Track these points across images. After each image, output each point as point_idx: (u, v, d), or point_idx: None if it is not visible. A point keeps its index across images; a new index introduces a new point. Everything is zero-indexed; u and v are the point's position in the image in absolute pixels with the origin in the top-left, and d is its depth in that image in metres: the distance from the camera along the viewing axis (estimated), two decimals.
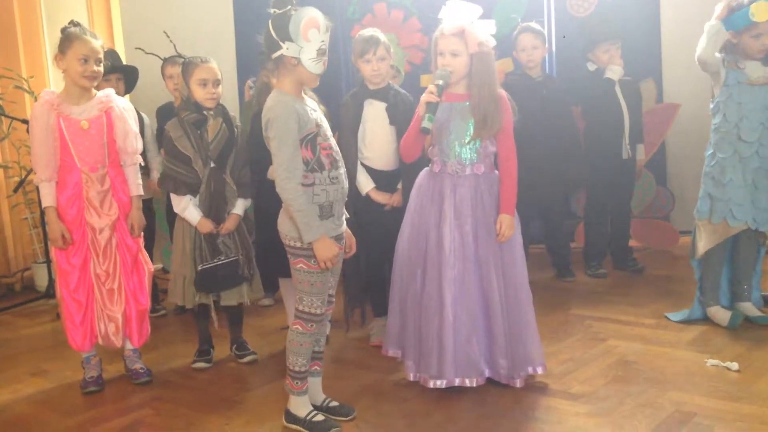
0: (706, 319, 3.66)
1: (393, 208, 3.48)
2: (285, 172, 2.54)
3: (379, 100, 3.47)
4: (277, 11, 2.54)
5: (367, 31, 3.50)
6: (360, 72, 3.51)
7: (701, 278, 3.66)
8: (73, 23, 3.19)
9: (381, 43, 3.41)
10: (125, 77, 4.31)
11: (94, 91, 3.24)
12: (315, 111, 2.68)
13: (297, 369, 2.71)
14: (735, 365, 3.05)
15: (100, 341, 3.28)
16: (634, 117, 4.58)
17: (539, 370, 3.04)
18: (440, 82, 2.87)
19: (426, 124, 2.84)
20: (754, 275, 3.71)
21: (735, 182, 3.47)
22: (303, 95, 2.67)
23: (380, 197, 3.48)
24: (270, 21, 2.56)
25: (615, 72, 4.51)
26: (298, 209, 2.55)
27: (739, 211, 3.47)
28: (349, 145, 3.43)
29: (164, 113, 4.31)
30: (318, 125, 2.64)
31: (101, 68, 3.19)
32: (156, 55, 4.29)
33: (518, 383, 2.98)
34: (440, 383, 2.93)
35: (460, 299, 2.93)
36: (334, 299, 2.85)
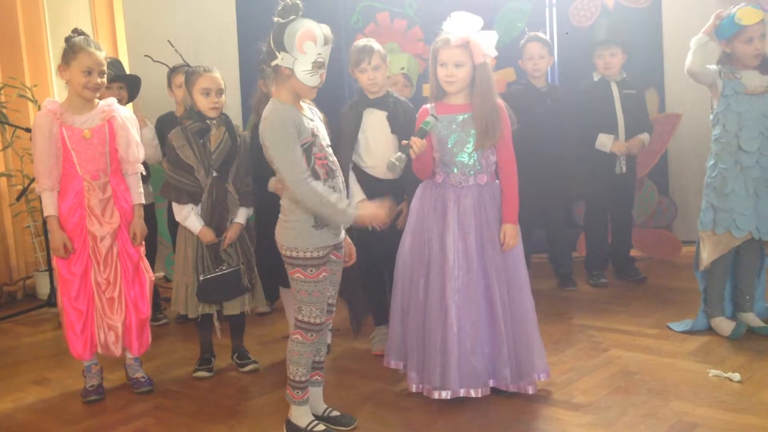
0: (709, 330, 3.65)
1: (397, 221, 3.46)
2: (296, 175, 2.53)
3: (379, 108, 3.48)
4: (281, 21, 2.55)
5: (362, 41, 3.52)
6: (359, 82, 3.52)
7: (706, 289, 3.65)
8: (77, 32, 3.20)
9: (375, 51, 3.42)
10: (127, 86, 4.32)
11: (96, 100, 3.25)
12: (312, 120, 2.68)
13: (297, 379, 2.71)
14: (737, 376, 3.04)
15: (100, 350, 3.27)
16: (634, 129, 4.56)
17: (543, 377, 3.04)
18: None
19: (427, 122, 2.89)
20: (759, 285, 3.70)
21: (737, 192, 3.46)
22: (300, 104, 2.68)
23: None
24: (273, 30, 2.57)
25: (607, 76, 4.52)
26: (322, 203, 2.54)
27: (743, 221, 3.46)
28: (344, 155, 3.44)
29: (165, 123, 4.30)
30: (314, 135, 2.64)
31: (104, 80, 3.21)
32: (164, 64, 4.28)
33: (530, 390, 2.98)
34: (445, 394, 2.91)
35: (464, 309, 2.93)
36: (334, 308, 2.85)
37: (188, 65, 4.37)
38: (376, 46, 3.45)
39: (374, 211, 2.63)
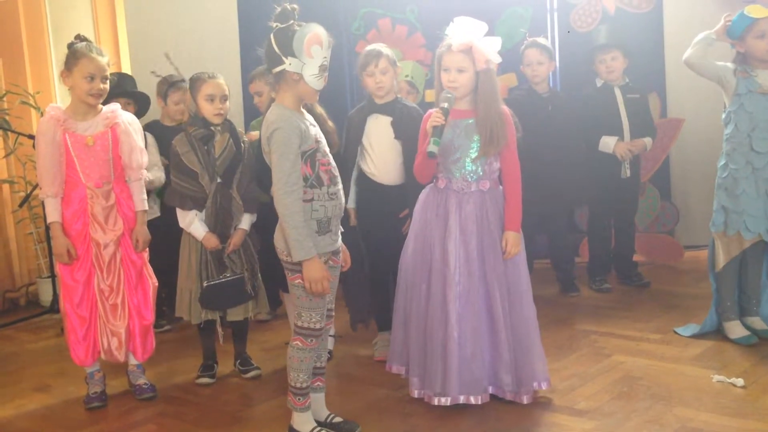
0: (717, 332, 3.64)
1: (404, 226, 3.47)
2: (284, 186, 2.53)
3: (384, 114, 3.48)
4: (280, 25, 2.55)
5: (372, 45, 3.52)
6: (366, 87, 3.52)
7: (718, 289, 3.62)
8: (79, 38, 3.21)
9: (383, 55, 3.42)
10: (136, 102, 4.32)
11: (100, 106, 3.26)
12: (314, 126, 2.69)
13: (299, 385, 2.70)
14: (741, 381, 3.04)
15: (103, 356, 3.27)
16: (639, 133, 4.55)
17: (543, 386, 3.02)
18: (445, 105, 2.87)
19: (431, 148, 2.84)
20: (767, 286, 3.69)
21: (748, 193, 3.42)
22: (302, 110, 2.68)
23: (353, 214, 3.52)
24: (272, 35, 2.57)
25: (610, 80, 4.53)
26: (293, 225, 2.53)
27: (753, 222, 3.42)
28: (347, 160, 3.44)
29: (149, 131, 4.24)
30: (317, 141, 2.65)
31: (107, 85, 3.20)
32: (162, 77, 4.20)
33: (525, 400, 2.97)
34: (445, 401, 2.91)
35: (465, 316, 2.92)
36: (333, 313, 2.85)
37: (184, 80, 4.39)
38: (385, 50, 3.46)
39: (320, 275, 2.56)
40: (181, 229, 3.40)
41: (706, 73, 3.53)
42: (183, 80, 4.41)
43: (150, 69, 4.66)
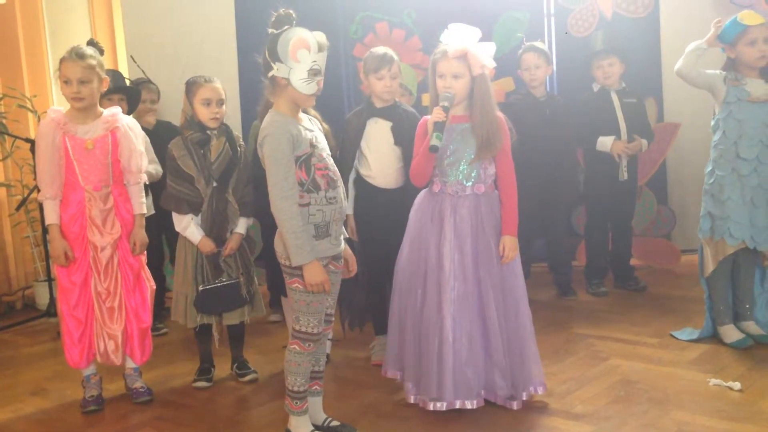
0: (711, 338, 3.64)
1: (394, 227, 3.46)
2: (279, 191, 2.54)
3: (384, 118, 3.48)
4: (275, 32, 2.56)
5: (380, 49, 3.50)
6: (369, 88, 3.51)
7: (710, 296, 3.63)
8: (90, 43, 3.21)
9: (395, 61, 3.44)
10: (128, 97, 4.34)
11: (100, 109, 3.25)
12: (311, 131, 2.68)
13: (296, 389, 2.70)
14: (737, 385, 3.04)
15: (99, 359, 3.27)
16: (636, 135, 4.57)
17: (539, 390, 3.02)
18: (446, 103, 2.88)
19: (434, 141, 2.84)
20: (762, 293, 3.69)
21: (733, 200, 3.45)
22: (299, 115, 2.68)
23: (351, 222, 3.51)
24: (267, 41, 2.58)
25: (607, 85, 4.54)
26: (290, 230, 2.54)
27: (737, 229, 3.45)
28: (344, 163, 3.44)
29: None
30: (313, 145, 2.64)
31: (90, 88, 3.12)
32: (142, 71, 4.20)
33: (515, 405, 2.96)
34: (440, 405, 2.91)
35: (460, 320, 2.92)
36: (332, 318, 2.85)
37: (150, 81, 4.44)
38: (395, 55, 3.47)
39: (320, 279, 2.57)
40: (167, 229, 3.39)
41: (697, 83, 3.56)
42: (148, 81, 4.48)
43: (147, 73, 4.70)
